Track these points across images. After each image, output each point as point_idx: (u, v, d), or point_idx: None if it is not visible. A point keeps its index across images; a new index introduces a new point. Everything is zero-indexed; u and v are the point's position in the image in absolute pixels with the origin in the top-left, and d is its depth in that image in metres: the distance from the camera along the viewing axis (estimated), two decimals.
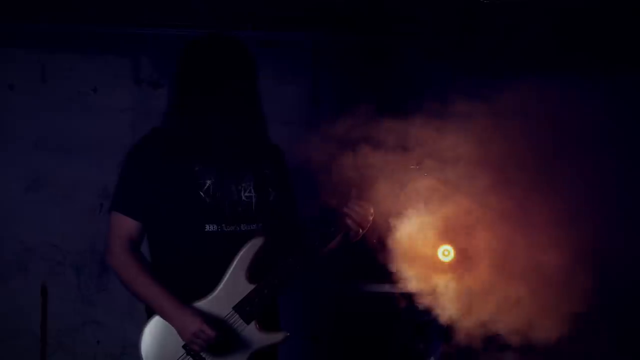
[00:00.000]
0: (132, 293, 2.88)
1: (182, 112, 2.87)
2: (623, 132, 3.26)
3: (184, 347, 2.83)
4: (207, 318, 2.81)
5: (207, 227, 2.87)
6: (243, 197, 2.93)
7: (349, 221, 2.95)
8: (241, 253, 2.88)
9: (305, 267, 2.95)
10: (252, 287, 2.88)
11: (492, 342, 3.28)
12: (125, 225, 2.88)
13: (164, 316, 2.83)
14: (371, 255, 3.28)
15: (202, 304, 2.87)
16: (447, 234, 3.21)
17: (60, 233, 4.46)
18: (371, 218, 2.98)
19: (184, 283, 2.86)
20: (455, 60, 3.84)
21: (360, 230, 2.98)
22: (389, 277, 3.27)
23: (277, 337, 2.93)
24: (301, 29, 4.46)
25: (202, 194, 2.87)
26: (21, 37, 4.40)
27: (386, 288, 3.88)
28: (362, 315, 4.21)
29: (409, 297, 3.37)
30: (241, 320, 2.87)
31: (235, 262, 2.88)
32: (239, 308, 2.87)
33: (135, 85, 4.49)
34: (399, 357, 4.05)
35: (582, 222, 3.08)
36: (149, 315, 2.90)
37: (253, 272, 2.89)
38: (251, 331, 2.88)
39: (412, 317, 3.50)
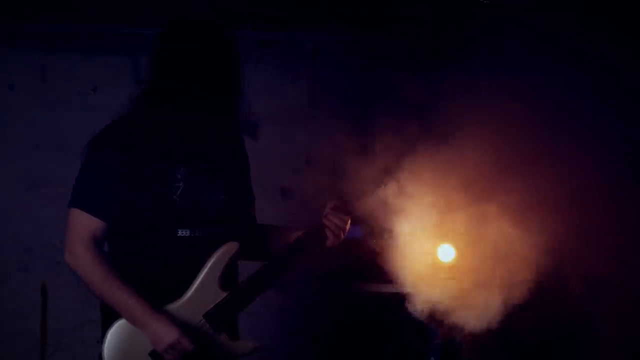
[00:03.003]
0: (99, 297, 2.67)
1: (155, 100, 2.69)
2: (623, 131, 3.27)
3: (150, 354, 2.65)
4: (181, 327, 2.64)
5: (180, 232, 2.69)
6: (215, 200, 2.76)
7: (327, 232, 2.83)
8: (214, 258, 2.71)
9: (280, 276, 2.81)
10: (224, 294, 2.72)
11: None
12: (89, 224, 2.65)
13: (135, 323, 2.63)
14: (371, 255, 3.28)
15: (171, 309, 2.68)
16: (447, 234, 3.21)
17: (60, 233, 4.44)
18: (348, 228, 2.87)
19: (150, 288, 2.67)
20: (455, 60, 3.84)
21: (337, 241, 2.86)
22: (389, 277, 3.27)
23: (248, 346, 2.77)
24: (301, 29, 4.46)
25: (174, 197, 2.68)
26: (21, 37, 4.40)
27: (386, 288, 3.88)
28: (362, 315, 4.21)
29: (409, 297, 3.38)
30: (212, 330, 2.70)
31: (207, 268, 2.70)
32: (209, 316, 2.70)
33: (135, 85, 4.48)
34: (399, 357, 4.05)
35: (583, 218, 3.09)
36: (105, 317, 2.72)
37: (225, 279, 2.73)
38: (222, 341, 2.72)
39: (412, 317, 3.49)
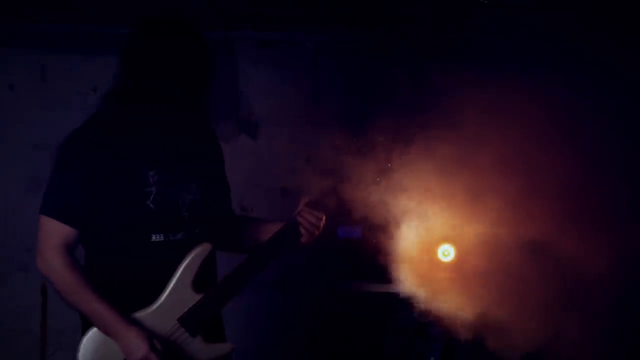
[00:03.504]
0: (70, 304, 2.63)
1: (125, 100, 2.66)
2: (622, 131, 3.27)
3: None
4: (153, 336, 2.60)
5: (154, 237, 2.66)
6: (189, 201, 2.72)
7: (301, 229, 2.82)
8: (187, 261, 2.68)
9: (254, 276, 2.78)
10: (198, 297, 2.68)
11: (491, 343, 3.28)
12: (61, 231, 2.60)
13: (106, 332, 2.61)
14: (371, 255, 3.28)
15: (145, 315, 2.65)
16: (447, 233, 3.21)
17: None
18: (322, 225, 2.86)
19: (125, 292, 2.64)
20: (455, 60, 3.84)
21: (311, 238, 2.85)
22: (389, 277, 3.27)
23: (224, 348, 2.76)
24: (301, 29, 4.46)
25: (147, 202, 2.64)
26: (21, 37, 4.40)
27: (386, 288, 3.88)
28: (362, 315, 4.21)
29: (409, 297, 3.38)
30: (187, 334, 2.67)
31: (180, 271, 2.67)
32: (184, 320, 2.67)
33: None
34: (399, 357, 4.05)
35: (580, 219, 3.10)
36: (85, 322, 2.69)
37: (199, 282, 2.69)
38: (198, 345, 2.69)
39: (412, 317, 3.50)
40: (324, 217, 2.86)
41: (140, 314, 2.65)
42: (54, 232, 2.61)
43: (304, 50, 4.56)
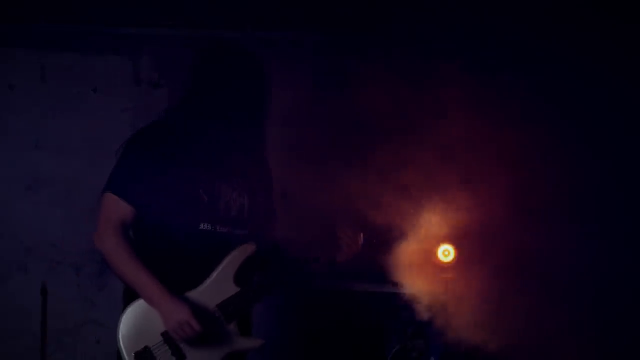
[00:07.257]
0: (121, 277, 2.89)
1: (190, 111, 2.91)
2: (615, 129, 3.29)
3: (162, 334, 2.84)
4: (194, 310, 2.82)
5: (202, 226, 2.91)
6: (238, 201, 2.98)
7: (341, 243, 3.03)
8: (232, 254, 2.93)
9: (291, 281, 3.04)
10: (237, 289, 2.93)
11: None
12: (121, 208, 2.86)
13: (151, 302, 2.84)
14: (371, 255, 3.28)
15: (189, 295, 2.89)
16: (447, 234, 3.22)
17: (60, 233, 4.46)
18: (361, 243, 3.05)
19: (170, 275, 2.87)
20: (455, 61, 3.85)
21: (351, 253, 3.05)
22: (389, 277, 3.28)
23: (255, 342, 2.99)
24: (301, 29, 4.46)
25: (201, 193, 2.89)
26: (21, 37, 4.40)
27: (386, 288, 3.88)
28: (363, 315, 4.21)
29: (409, 297, 3.38)
30: (223, 319, 2.91)
31: (224, 263, 2.92)
32: (222, 307, 2.91)
33: (135, 85, 4.49)
34: (399, 357, 4.05)
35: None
36: (127, 299, 2.92)
37: (240, 276, 2.94)
38: (231, 332, 2.92)
39: (412, 317, 3.50)
40: (361, 235, 3.06)
41: (185, 294, 2.88)
42: (114, 209, 2.87)
43: (304, 50, 4.55)
